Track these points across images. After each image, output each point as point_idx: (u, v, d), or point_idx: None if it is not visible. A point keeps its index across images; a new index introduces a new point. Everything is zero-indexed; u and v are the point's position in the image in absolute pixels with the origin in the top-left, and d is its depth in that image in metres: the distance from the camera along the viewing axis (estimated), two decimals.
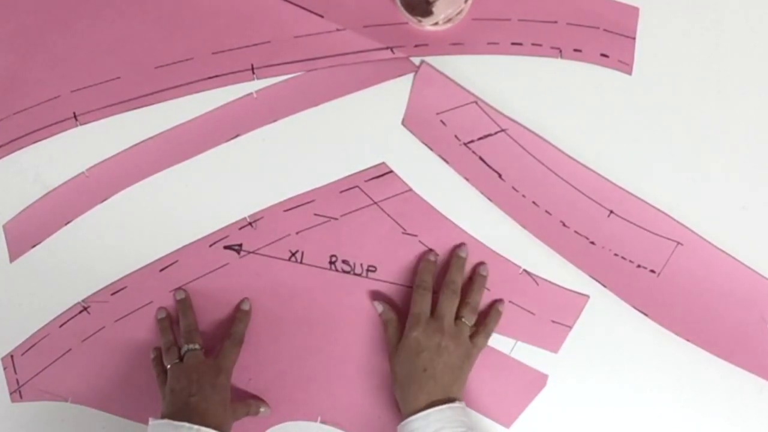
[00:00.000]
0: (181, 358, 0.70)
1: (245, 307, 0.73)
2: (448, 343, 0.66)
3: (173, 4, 0.74)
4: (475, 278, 0.70)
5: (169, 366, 0.70)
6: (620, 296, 0.70)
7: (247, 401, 0.72)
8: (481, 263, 0.71)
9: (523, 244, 0.71)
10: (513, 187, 0.71)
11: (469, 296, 0.69)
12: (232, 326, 0.72)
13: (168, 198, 0.74)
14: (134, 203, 0.75)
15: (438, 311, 0.68)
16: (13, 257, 0.76)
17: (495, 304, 0.71)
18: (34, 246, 0.75)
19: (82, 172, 0.75)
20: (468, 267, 0.71)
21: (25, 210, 0.75)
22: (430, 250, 0.71)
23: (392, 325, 0.70)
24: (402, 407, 0.66)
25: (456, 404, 0.64)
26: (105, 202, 0.75)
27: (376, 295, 0.72)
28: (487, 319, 0.70)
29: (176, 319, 0.74)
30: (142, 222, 0.75)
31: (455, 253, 0.71)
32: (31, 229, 0.75)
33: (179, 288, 0.74)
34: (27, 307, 0.75)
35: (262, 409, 0.72)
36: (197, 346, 0.70)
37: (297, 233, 0.73)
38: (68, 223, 0.75)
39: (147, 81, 0.74)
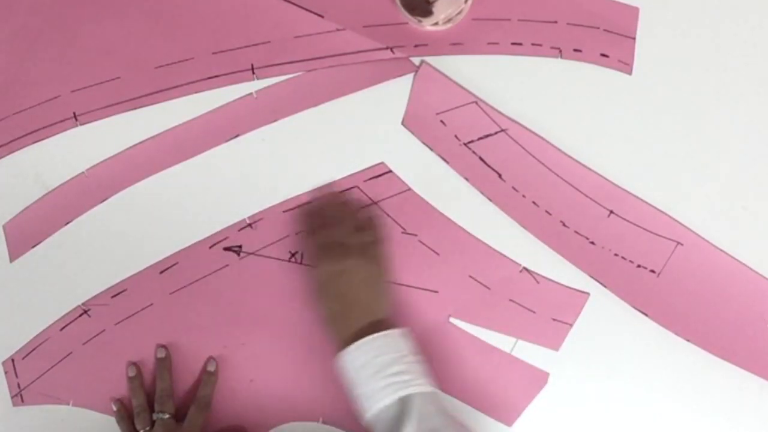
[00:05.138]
0: (152, 423, 0.70)
1: (211, 368, 0.72)
2: (354, 261, 0.64)
3: (173, 4, 0.74)
4: (342, 207, 0.69)
5: (140, 431, 0.70)
6: (620, 296, 0.70)
7: None
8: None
9: (523, 243, 0.71)
10: (513, 187, 0.71)
11: (345, 222, 0.68)
12: (199, 390, 0.72)
13: (168, 198, 0.74)
14: (134, 203, 0.75)
15: (331, 242, 0.66)
16: (13, 257, 0.76)
17: (364, 212, 0.69)
18: (34, 246, 0.75)
19: (82, 172, 0.75)
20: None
21: (25, 210, 0.75)
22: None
23: None
24: (335, 343, 0.65)
25: (391, 332, 0.62)
26: (105, 202, 0.75)
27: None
28: (369, 227, 0.68)
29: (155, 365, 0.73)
30: (142, 222, 0.75)
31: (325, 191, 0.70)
32: (31, 229, 0.75)
33: (161, 345, 0.73)
34: (27, 308, 0.75)
35: None
36: (167, 416, 0.70)
37: (297, 234, 0.73)
38: (68, 223, 0.75)
39: (147, 81, 0.74)
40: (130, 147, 0.74)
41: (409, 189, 0.72)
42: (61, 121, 0.74)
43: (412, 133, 0.73)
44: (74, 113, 0.74)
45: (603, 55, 0.70)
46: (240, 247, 0.74)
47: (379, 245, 0.69)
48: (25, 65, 0.75)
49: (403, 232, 0.72)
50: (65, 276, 0.75)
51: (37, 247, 0.75)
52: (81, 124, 0.74)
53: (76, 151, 0.75)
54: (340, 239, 0.66)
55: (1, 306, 0.76)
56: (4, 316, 0.76)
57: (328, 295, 0.66)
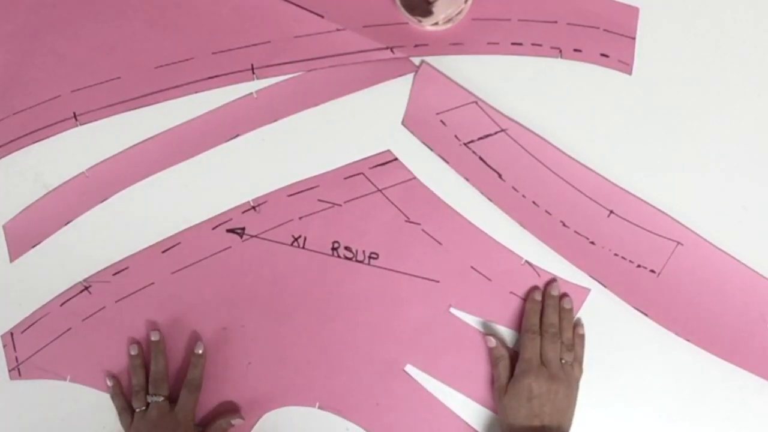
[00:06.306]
0: (147, 404, 0.71)
1: (199, 350, 0.72)
2: (558, 388, 0.66)
3: (173, 4, 0.74)
4: (563, 315, 0.70)
5: (137, 410, 0.71)
6: (620, 296, 0.70)
7: (215, 424, 0.71)
8: (565, 295, 0.71)
9: (525, 237, 0.71)
10: (513, 187, 0.71)
11: (563, 335, 0.69)
12: (188, 373, 0.72)
13: (168, 198, 0.74)
14: (134, 203, 0.75)
15: (544, 357, 0.68)
16: (13, 257, 0.76)
17: (576, 328, 0.71)
18: (34, 246, 0.75)
19: (82, 172, 0.75)
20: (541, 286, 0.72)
21: (25, 210, 0.75)
22: (535, 287, 0.71)
23: (503, 363, 0.69)
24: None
25: None
26: (105, 202, 0.75)
27: (488, 329, 0.72)
28: (575, 347, 0.70)
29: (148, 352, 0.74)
30: (141, 222, 0.74)
31: (548, 292, 0.71)
32: (31, 229, 0.75)
33: (154, 329, 0.73)
34: (27, 307, 0.75)
35: (233, 422, 0.72)
36: (161, 398, 0.71)
37: (300, 218, 0.73)
38: (68, 223, 0.75)
39: (147, 81, 0.74)
40: (130, 147, 0.74)
41: (414, 178, 0.72)
42: (61, 121, 0.74)
43: (412, 133, 0.73)
44: (74, 113, 0.74)
45: (603, 55, 0.70)
46: (243, 229, 0.74)
47: (578, 368, 0.70)
48: (25, 65, 0.75)
49: (406, 221, 0.73)
50: (65, 276, 0.75)
51: (37, 247, 0.75)
52: (81, 124, 0.74)
53: (76, 151, 0.75)
54: (554, 355, 0.68)
55: (1, 306, 0.76)
56: (4, 316, 0.76)
57: (519, 401, 0.67)
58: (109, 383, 0.73)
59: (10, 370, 0.75)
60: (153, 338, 0.73)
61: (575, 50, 0.71)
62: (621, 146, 0.71)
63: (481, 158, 0.72)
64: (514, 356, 0.70)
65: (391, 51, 0.72)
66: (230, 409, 0.73)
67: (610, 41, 0.70)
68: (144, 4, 0.74)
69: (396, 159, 0.73)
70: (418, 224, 0.73)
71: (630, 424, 0.71)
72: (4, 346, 0.75)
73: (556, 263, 0.71)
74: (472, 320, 0.72)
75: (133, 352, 0.73)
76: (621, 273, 0.70)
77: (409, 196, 0.73)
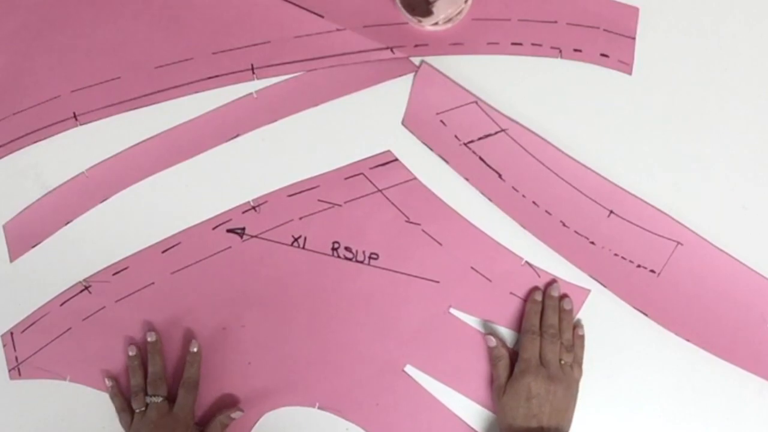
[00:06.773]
0: (147, 405, 0.71)
1: (194, 348, 0.72)
2: (557, 388, 0.66)
3: (173, 4, 0.74)
4: (563, 316, 0.70)
5: (136, 411, 0.71)
6: (620, 296, 0.70)
7: (215, 420, 0.71)
8: (565, 296, 0.71)
9: (523, 243, 0.71)
10: (513, 187, 0.71)
11: (562, 336, 0.69)
12: (185, 371, 0.72)
13: (168, 198, 0.74)
14: (134, 203, 0.75)
15: (543, 357, 0.68)
16: (13, 257, 0.76)
17: (576, 329, 0.71)
18: (34, 246, 0.75)
19: (82, 172, 0.75)
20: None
21: (25, 210, 0.75)
22: (536, 288, 0.71)
23: (503, 362, 0.69)
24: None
25: None
26: (105, 202, 0.75)
27: (488, 329, 0.72)
28: (574, 348, 0.70)
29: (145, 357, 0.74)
30: (141, 222, 0.75)
31: (548, 293, 0.71)
32: (31, 229, 0.75)
33: (151, 330, 0.73)
34: (26, 307, 0.75)
35: (233, 415, 0.72)
36: (159, 399, 0.71)
37: (300, 219, 0.73)
38: (68, 223, 0.75)
39: (147, 81, 0.74)
40: (130, 147, 0.74)
41: (415, 178, 0.72)
42: (61, 121, 0.74)
43: (412, 133, 0.73)
44: (74, 113, 0.74)
45: (603, 55, 0.70)
46: (243, 229, 0.74)
47: (578, 369, 0.70)
48: (25, 65, 0.75)
49: (406, 221, 0.73)
50: (65, 276, 0.75)
51: (37, 247, 0.75)
52: (81, 124, 0.74)
53: (76, 151, 0.75)
54: (553, 356, 0.68)
55: (1, 306, 0.76)
56: (4, 316, 0.76)
57: (518, 400, 0.67)
58: (108, 383, 0.73)
59: (10, 370, 0.75)
60: (149, 339, 0.73)
61: (575, 50, 0.71)
62: (621, 146, 0.71)
63: (481, 158, 0.72)
64: (514, 356, 0.70)
65: (391, 51, 0.72)
66: (229, 404, 0.73)
67: (610, 41, 0.70)
68: (144, 5, 0.74)
69: (396, 159, 0.73)
70: (418, 224, 0.73)
71: (630, 425, 0.71)
72: (4, 346, 0.75)
73: (556, 263, 0.71)
74: (472, 321, 0.72)
75: (131, 353, 0.73)
76: (621, 273, 0.70)
77: (409, 196, 0.73)
